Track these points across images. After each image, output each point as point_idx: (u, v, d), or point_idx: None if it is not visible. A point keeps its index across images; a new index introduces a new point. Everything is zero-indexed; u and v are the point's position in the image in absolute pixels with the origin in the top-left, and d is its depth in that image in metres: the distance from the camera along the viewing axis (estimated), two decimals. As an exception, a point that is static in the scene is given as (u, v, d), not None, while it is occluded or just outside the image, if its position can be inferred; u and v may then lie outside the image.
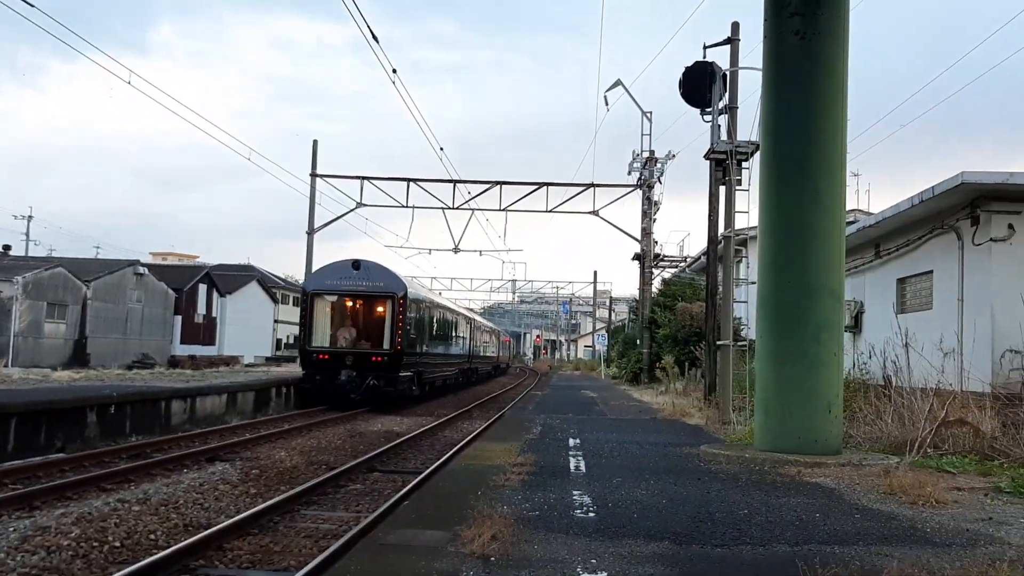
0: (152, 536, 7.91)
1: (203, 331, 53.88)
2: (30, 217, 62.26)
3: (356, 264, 23.19)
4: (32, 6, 14.99)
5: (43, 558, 7.00)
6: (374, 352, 22.81)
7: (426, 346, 26.51)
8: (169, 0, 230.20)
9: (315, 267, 27.95)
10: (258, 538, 7.92)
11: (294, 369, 27.88)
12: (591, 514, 6.64)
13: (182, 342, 50.80)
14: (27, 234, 63.01)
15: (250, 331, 58.97)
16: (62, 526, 8.04)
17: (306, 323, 23.17)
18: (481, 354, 43.96)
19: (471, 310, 51.62)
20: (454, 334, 33.98)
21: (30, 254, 56.90)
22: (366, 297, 23.82)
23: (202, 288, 53.74)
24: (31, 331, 38.59)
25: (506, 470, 8.85)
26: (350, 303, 24.15)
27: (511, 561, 5.14)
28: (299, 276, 47.48)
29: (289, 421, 19.19)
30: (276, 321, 66.28)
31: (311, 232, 34.39)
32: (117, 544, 7.54)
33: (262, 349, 60.77)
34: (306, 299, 23.63)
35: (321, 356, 22.67)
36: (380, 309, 23.53)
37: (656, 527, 6.18)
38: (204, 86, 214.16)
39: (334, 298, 23.79)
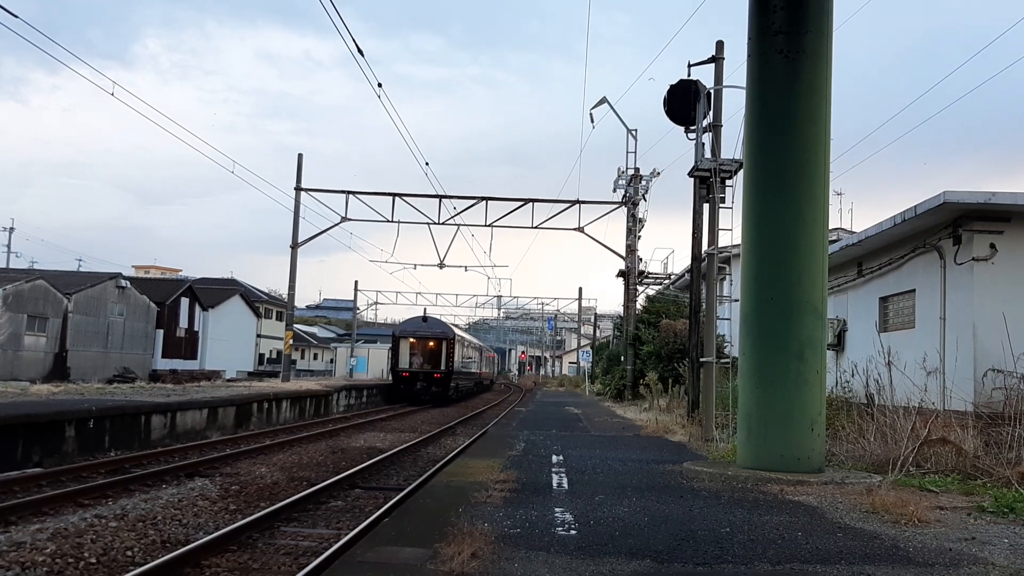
0: (129, 552, 7.81)
1: (185, 345, 53.52)
2: (11, 229, 62.05)
3: (425, 318, 39.57)
4: (16, 16, 14.90)
5: (18, 574, 6.89)
6: (435, 371, 37.63)
7: (461, 368, 40.63)
8: (154, 13, 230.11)
9: (298, 281, 36.43)
10: (237, 555, 7.83)
11: (276, 384, 29.39)
12: (573, 532, 6.59)
13: (164, 356, 50.43)
14: (8, 246, 62.77)
15: (232, 345, 58.65)
16: (37, 542, 7.93)
17: (395, 353, 38.52)
18: (485, 371, 58.67)
19: (461, 326, 62.24)
20: (472, 359, 48.50)
21: (11, 266, 56.57)
22: (429, 338, 38.82)
23: (184, 302, 53.40)
24: (11, 344, 38.22)
25: (488, 487, 8.79)
26: (416, 341, 38.86)
27: (491, 579, 5.09)
28: (282, 290, 48.03)
29: (271, 437, 19.07)
30: (259, 336, 65.90)
31: (295, 246, 34.27)
32: (93, 560, 7.44)
33: (244, 364, 60.42)
34: (396, 340, 39.08)
35: (404, 373, 37.54)
36: (438, 346, 38.38)
37: (638, 545, 6.14)
38: (189, 99, 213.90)
39: (411, 339, 38.83)
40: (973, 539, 6.63)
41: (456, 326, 53.12)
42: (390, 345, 41.19)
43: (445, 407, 35.72)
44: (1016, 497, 8.14)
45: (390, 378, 40.59)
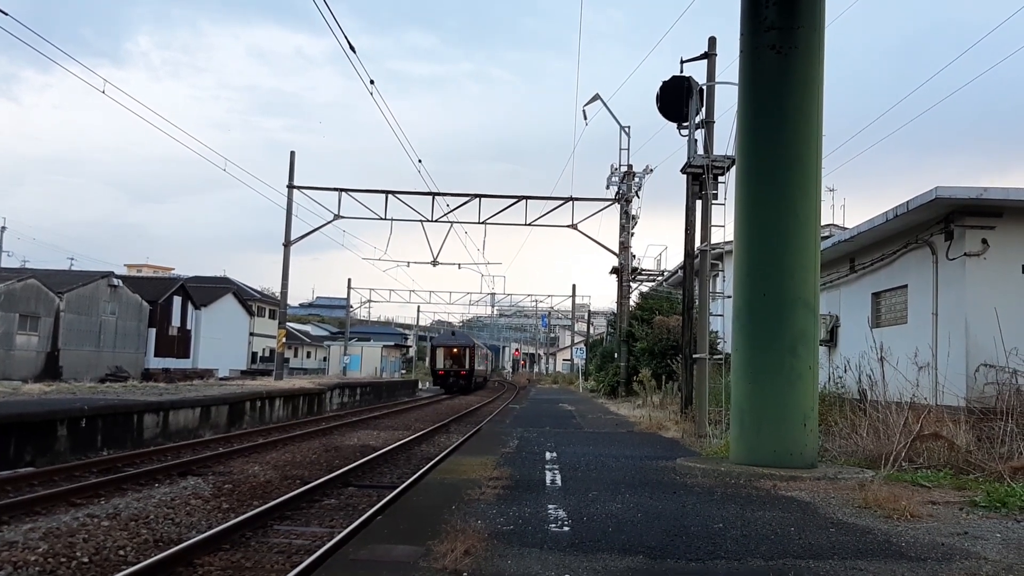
0: (121, 552, 7.79)
1: (177, 344, 53.40)
2: (3, 228, 61.85)
3: (453, 332, 61.78)
4: (6, 14, 14.83)
5: (9, 574, 6.87)
6: (461, 369, 52.61)
7: (477, 367, 55.56)
8: (146, 10, 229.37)
9: (291, 279, 36.26)
10: (229, 554, 7.81)
11: (269, 382, 29.69)
12: (566, 528, 6.59)
13: (156, 355, 50.32)
14: (-1, 245, 62.42)
15: (225, 344, 58.54)
16: (30, 541, 7.90)
17: (432, 357, 55.21)
18: (490, 368, 74.43)
19: (455, 325, 72.40)
20: (481, 358, 61.23)
21: (3, 265, 56.31)
22: (456, 346, 54.00)
23: (177, 300, 53.27)
24: (2, 343, 38.09)
25: (481, 484, 8.78)
26: (447, 349, 53.98)
27: (484, 576, 5.08)
28: (275, 288, 48.59)
29: (264, 435, 19.03)
30: (252, 334, 65.77)
31: (287, 244, 34.25)
32: (85, 560, 7.42)
33: (237, 362, 60.32)
34: (433, 348, 56.26)
35: (440, 372, 53.04)
36: (462, 351, 53.51)
37: (631, 541, 6.14)
38: (181, 96, 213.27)
39: (444, 347, 54.30)
40: (966, 534, 6.64)
41: (445, 324, 58.14)
42: (429, 351, 60.89)
43: (440, 404, 36.66)
44: (1008, 492, 8.15)
45: (430, 374, 56.78)
